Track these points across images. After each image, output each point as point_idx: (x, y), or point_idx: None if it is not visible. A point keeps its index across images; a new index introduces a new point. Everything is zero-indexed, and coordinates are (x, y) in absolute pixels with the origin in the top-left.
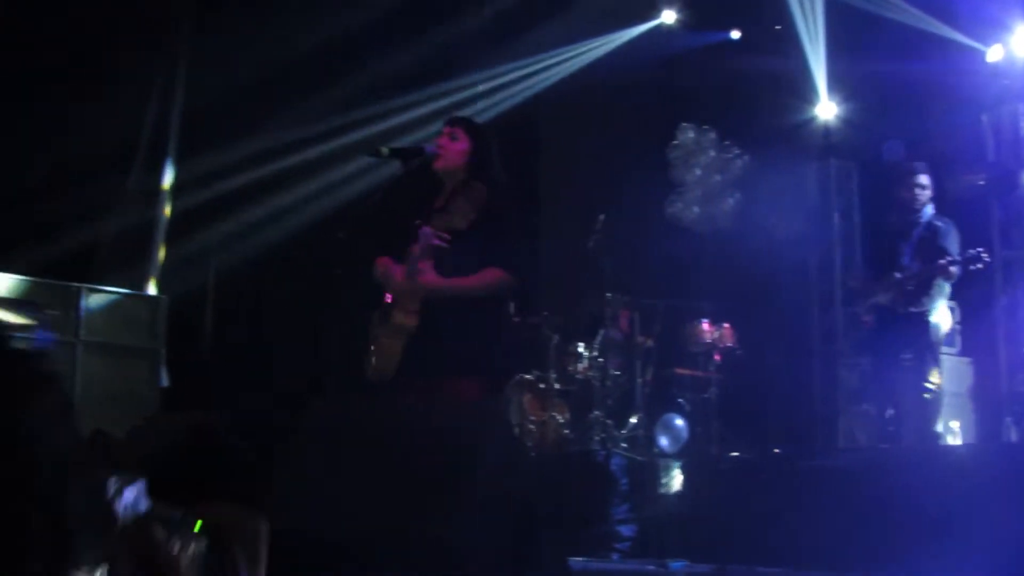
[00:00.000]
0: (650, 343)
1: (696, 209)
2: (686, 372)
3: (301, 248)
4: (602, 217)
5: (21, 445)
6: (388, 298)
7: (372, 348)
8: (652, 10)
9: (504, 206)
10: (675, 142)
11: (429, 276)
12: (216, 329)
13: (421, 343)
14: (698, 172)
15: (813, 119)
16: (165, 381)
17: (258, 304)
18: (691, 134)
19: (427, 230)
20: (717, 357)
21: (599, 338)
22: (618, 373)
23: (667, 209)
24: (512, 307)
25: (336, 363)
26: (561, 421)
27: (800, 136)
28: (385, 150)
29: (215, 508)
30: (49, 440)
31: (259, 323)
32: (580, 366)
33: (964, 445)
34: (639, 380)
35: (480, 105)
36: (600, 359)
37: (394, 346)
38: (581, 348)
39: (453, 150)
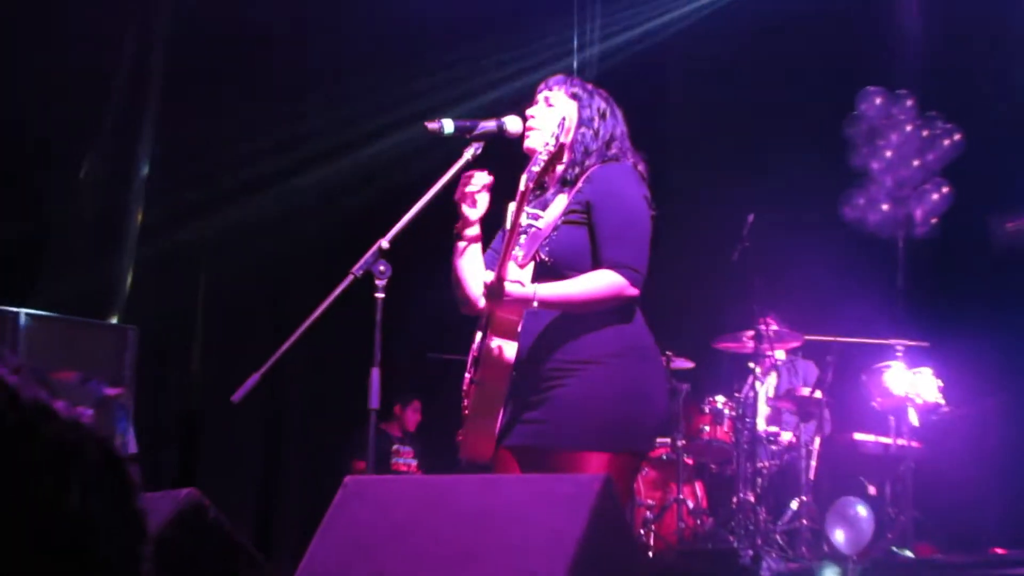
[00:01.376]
0: (819, 396)
1: (885, 207)
2: (870, 439)
3: (325, 261)
4: (751, 218)
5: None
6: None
7: (464, 407)
8: None
9: (618, 188)
10: (856, 113)
11: (519, 289)
12: (205, 370)
13: (525, 389)
14: (888, 155)
15: None
16: (133, 446)
17: (265, 337)
18: (879, 102)
19: (516, 202)
20: (914, 418)
21: (747, 389)
22: (773, 440)
23: (844, 207)
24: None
25: (380, 414)
26: (692, 507)
27: None
28: (448, 125)
29: None
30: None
31: (266, 363)
32: (719, 428)
33: None
34: (804, 449)
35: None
36: (748, 419)
37: (491, 398)
38: (720, 403)
39: (552, 121)
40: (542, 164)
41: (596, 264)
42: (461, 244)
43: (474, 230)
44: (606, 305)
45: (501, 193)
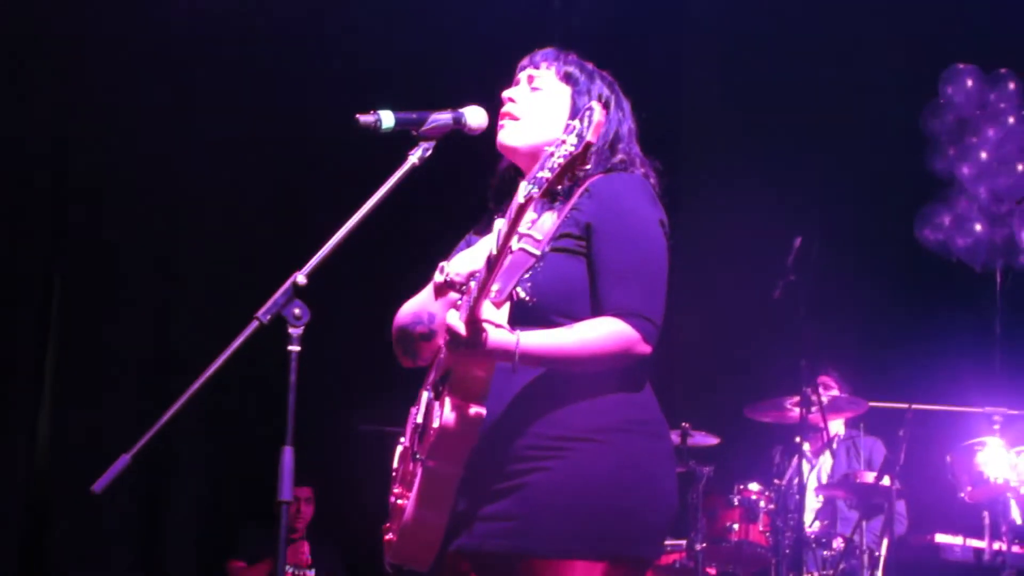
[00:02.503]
0: (888, 484)
1: (978, 228)
2: (957, 541)
3: (221, 302)
4: (798, 241)
5: None
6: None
7: (397, 494)
8: None
9: (629, 209)
10: (939, 100)
11: (502, 336)
12: (57, 448)
13: (488, 473)
14: (983, 157)
15: None
16: None
17: (138, 403)
18: (970, 85)
19: (508, 220)
20: (1017, 514)
21: (790, 474)
22: (825, 543)
23: (923, 228)
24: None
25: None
26: None
27: None
28: (387, 117)
29: None
30: None
31: (140, 439)
32: (753, 527)
33: None
34: (867, 556)
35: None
36: (792, 514)
37: (442, 485)
38: (755, 492)
39: (534, 110)
40: (557, 171)
41: (596, 308)
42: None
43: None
44: (609, 364)
45: (456, 204)
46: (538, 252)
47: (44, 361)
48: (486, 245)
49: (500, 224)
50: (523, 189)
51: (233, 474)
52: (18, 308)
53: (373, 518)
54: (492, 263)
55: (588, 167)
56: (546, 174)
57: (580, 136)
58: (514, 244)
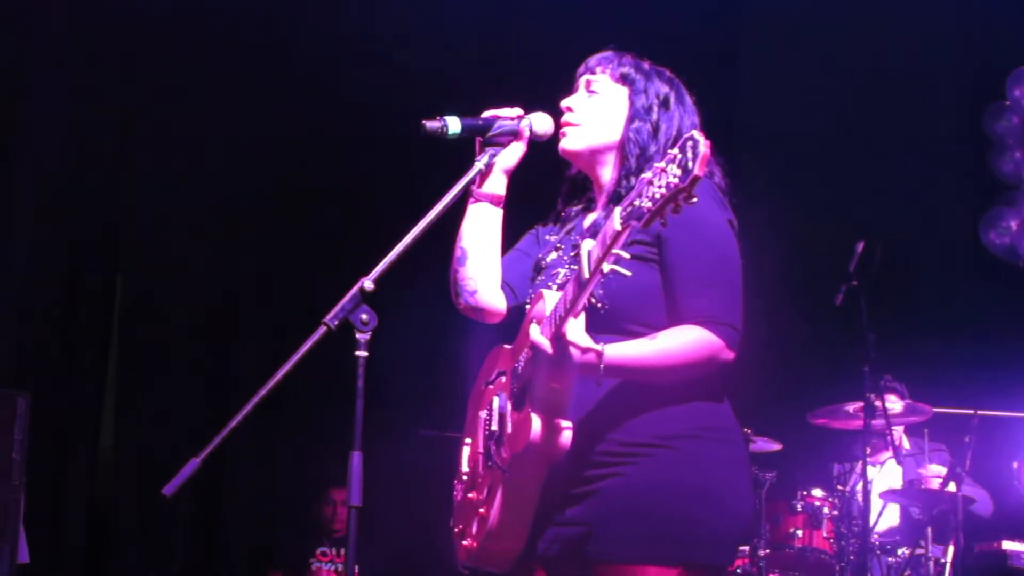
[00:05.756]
0: (953, 490)
1: None
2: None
3: (287, 307)
4: (861, 246)
5: None
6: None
7: (471, 499)
8: None
9: (699, 215)
10: (1005, 102)
11: (588, 352)
12: (121, 452)
13: (563, 478)
14: None
15: None
16: (24, 555)
17: (204, 407)
18: None
19: (601, 244)
20: None
21: (854, 480)
22: (890, 550)
23: (987, 232)
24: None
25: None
26: None
27: None
28: (453, 123)
29: None
30: None
31: (208, 444)
32: (817, 533)
33: None
34: (932, 563)
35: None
36: (856, 521)
37: (522, 493)
38: (818, 498)
39: (592, 114)
40: (660, 202)
41: (675, 317)
42: (474, 204)
43: (496, 184)
44: (695, 372)
45: (527, 205)
46: (629, 273)
47: (106, 371)
48: None
49: (589, 244)
50: (619, 216)
51: (297, 479)
52: (83, 322)
53: (429, 523)
54: (583, 285)
55: (695, 200)
56: (646, 203)
57: (685, 168)
58: (605, 267)
